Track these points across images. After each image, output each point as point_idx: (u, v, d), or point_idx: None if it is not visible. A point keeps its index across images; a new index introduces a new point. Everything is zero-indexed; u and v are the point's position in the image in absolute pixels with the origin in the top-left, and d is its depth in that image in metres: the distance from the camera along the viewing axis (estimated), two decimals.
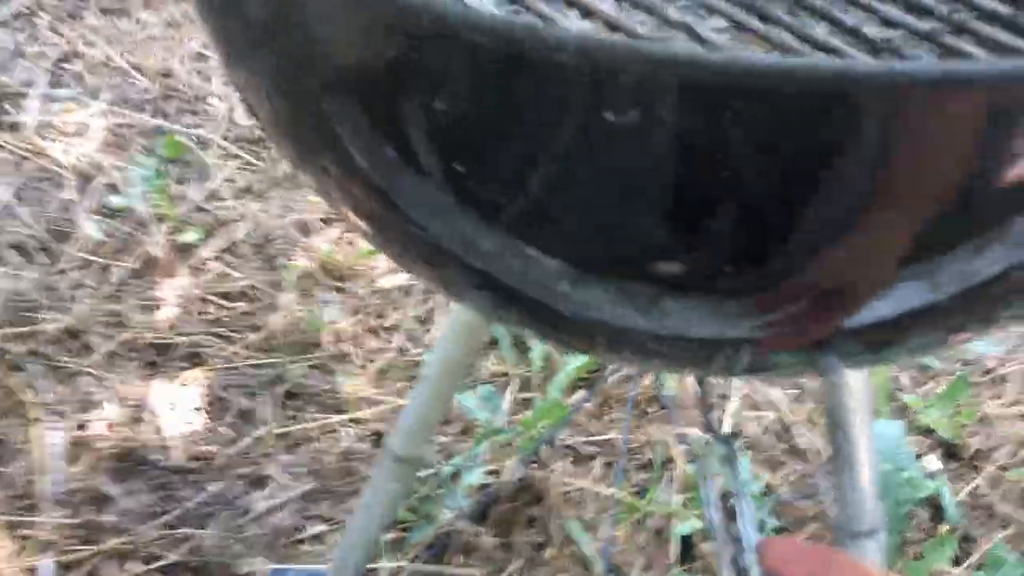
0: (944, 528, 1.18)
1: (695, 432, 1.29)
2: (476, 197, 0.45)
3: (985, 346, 1.43)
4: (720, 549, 0.51)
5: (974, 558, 1.16)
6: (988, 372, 1.41)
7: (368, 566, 1.13)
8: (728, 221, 0.39)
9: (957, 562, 1.15)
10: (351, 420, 1.30)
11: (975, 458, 1.28)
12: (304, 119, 0.47)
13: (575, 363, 1.34)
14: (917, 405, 1.34)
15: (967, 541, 1.18)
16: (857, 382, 0.68)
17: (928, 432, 1.31)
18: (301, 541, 1.18)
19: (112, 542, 1.16)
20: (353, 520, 0.86)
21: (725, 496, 0.57)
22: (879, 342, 0.46)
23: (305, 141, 0.49)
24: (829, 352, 0.46)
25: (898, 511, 1.15)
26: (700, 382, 0.69)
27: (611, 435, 1.29)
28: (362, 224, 0.49)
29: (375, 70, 0.40)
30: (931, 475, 1.24)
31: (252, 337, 1.40)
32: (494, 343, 1.40)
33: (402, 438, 0.78)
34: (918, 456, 1.26)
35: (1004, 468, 1.26)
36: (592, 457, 1.27)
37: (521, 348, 1.40)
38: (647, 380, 1.34)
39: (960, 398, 1.31)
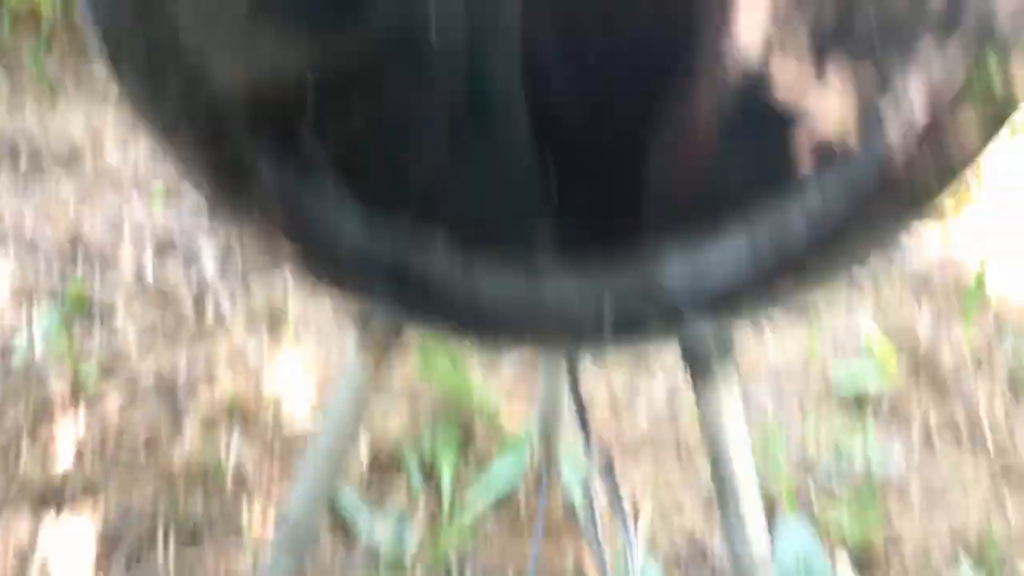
0: None
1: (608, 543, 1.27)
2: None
3: (887, 462, 1.47)
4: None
5: None
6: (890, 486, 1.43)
7: None
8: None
9: None
10: (252, 556, 1.24)
11: (888, 562, 1.29)
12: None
13: (484, 495, 1.32)
14: (825, 517, 1.35)
15: None
16: (730, 403, 0.70)
17: (840, 540, 1.31)
18: None
19: None
20: None
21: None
22: (719, 298, 0.49)
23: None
24: (681, 303, 0.49)
25: None
26: (573, 382, 0.69)
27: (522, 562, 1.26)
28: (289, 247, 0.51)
29: None
30: None
31: (151, 478, 1.34)
32: (399, 468, 1.38)
33: (296, 506, 0.76)
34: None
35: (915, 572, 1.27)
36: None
37: (428, 475, 1.38)
38: (557, 496, 1.33)
39: (867, 508, 1.33)
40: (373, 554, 1.24)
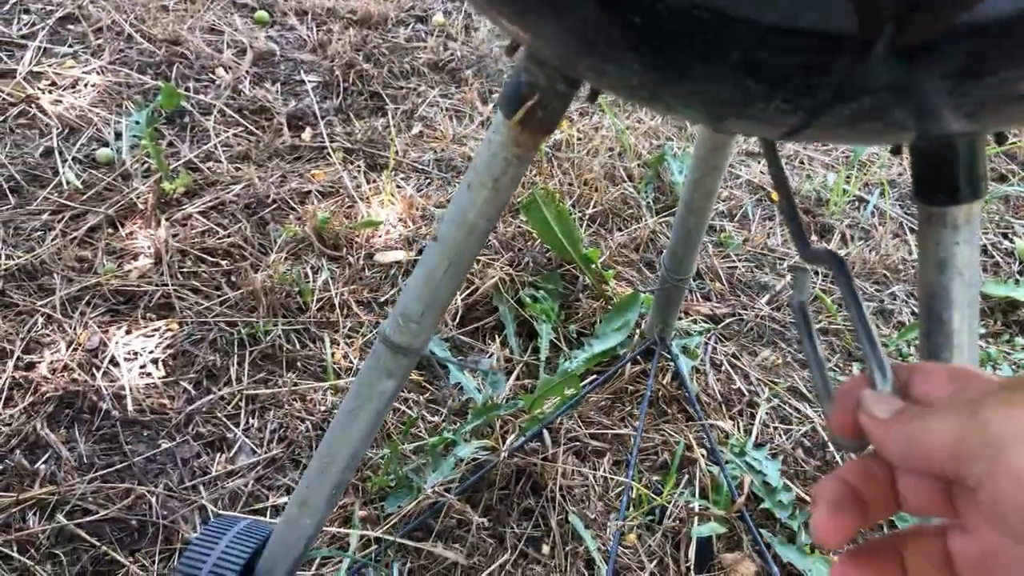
0: None
1: (722, 428, 1.14)
2: None
3: None
4: (821, 388, 0.38)
5: None
6: None
7: (335, 530, 0.97)
8: None
9: None
10: (331, 388, 1.15)
11: None
12: None
13: (586, 353, 1.19)
14: None
15: None
16: (966, 263, 0.55)
17: None
18: (263, 511, 1.01)
19: (38, 491, 0.99)
20: (328, 434, 0.70)
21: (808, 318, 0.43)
22: (980, 58, 0.33)
23: None
24: (929, 63, 0.33)
25: None
26: (778, 174, 0.54)
27: (623, 430, 1.13)
28: None
29: None
30: None
31: (230, 294, 1.25)
32: (500, 328, 1.26)
33: (400, 321, 0.64)
34: None
35: None
36: (600, 453, 1.11)
37: (528, 338, 1.26)
38: (666, 378, 1.20)
39: None
40: (462, 402, 1.14)
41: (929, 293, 0.56)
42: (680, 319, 1.31)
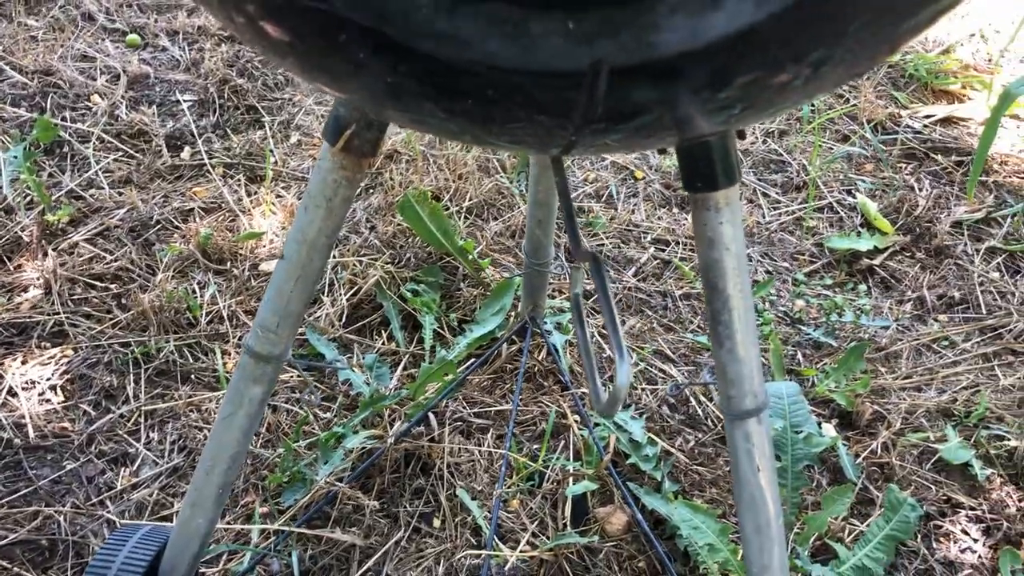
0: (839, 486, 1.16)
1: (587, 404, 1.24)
2: None
3: (877, 322, 1.44)
4: (585, 361, 0.47)
5: (874, 517, 1.13)
6: (881, 349, 1.41)
7: (238, 527, 1.04)
8: None
9: (856, 517, 1.12)
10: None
11: (871, 426, 1.27)
12: None
13: (467, 339, 1.29)
14: (811, 374, 1.32)
15: (867, 503, 1.16)
16: (732, 238, 0.65)
17: (824, 403, 1.29)
18: (168, 518, 1.08)
19: None
20: (209, 440, 0.78)
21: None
22: (718, 71, 0.43)
23: None
24: (680, 83, 0.43)
25: (796, 468, 1.12)
26: (558, 172, 0.64)
27: (504, 407, 1.23)
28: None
29: None
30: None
31: (121, 316, 1.30)
32: (385, 323, 1.34)
33: (260, 332, 0.72)
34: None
35: (899, 433, 1.25)
36: (483, 429, 1.21)
37: (412, 329, 1.34)
38: (541, 354, 1.30)
39: (855, 369, 1.30)
40: (351, 397, 1.22)
41: (705, 266, 0.67)
42: (553, 298, 1.41)
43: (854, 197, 1.73)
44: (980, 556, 1.12)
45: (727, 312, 0.68)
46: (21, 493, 1.09)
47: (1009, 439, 1.24)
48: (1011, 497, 1.18)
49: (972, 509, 1.17)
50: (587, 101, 0.44)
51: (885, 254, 1.59)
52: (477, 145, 0.56)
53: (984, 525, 1.15)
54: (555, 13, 0.41)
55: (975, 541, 1.13)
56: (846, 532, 1.11)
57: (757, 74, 0.44)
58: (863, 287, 1.53)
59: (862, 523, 1.12)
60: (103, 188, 1.54)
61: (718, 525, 1.05)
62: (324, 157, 0.66)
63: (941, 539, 1.13)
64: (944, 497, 1.17)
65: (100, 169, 1.58)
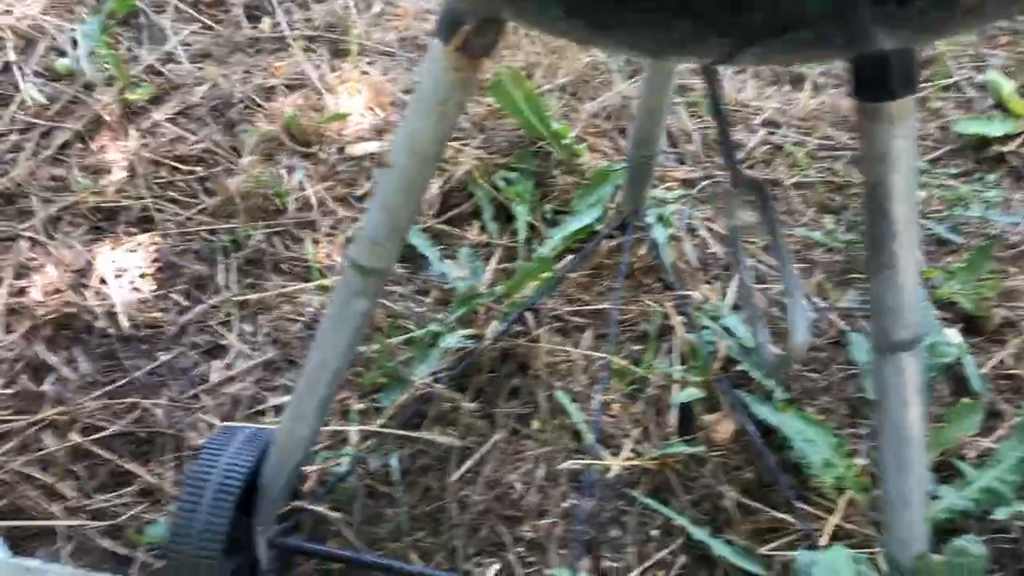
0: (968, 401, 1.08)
1: (698, 296, 1.18)
2: None
3: (1006, 217, 1.33)
4: (751, 311, 0.41)
5: (1000, 431, 1.06)
6: (1011, 247, 1.30)
7: (335, 428, 1.03)
8: None
9: (984, 435, 1.05)
10: (317, 288, 1.18)
11: (998, 333, 1.18)
12: None
13: (563, 232, 1.22)
14: (934, 274, 1.23)
15: (994, 416, 1.08)
16: (904, 155, 0.56)
17: (948, 305, 1.20)
18: (262, 412, 1.06)
19: (50, 412, 1.04)
20: (311, 354, 0.74)
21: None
22: None
23: None
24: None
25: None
26: (713, 94, 0.56)
27: (603, 305, 1.17)
28: None
29: None
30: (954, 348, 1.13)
31: (208, 202, 1.27)
32: (476, 214, 1.28)
33: (366, 245, 0.66)
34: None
35: None
36: (581, 328, 1.15)
37: (505, 220, 1.28)
38: (642, 250, 1.23)
39: (981, 270, 1.20)
40: (445, 291, 1.17)
41: (871, 185, 0.58)
42: (655, 187, 1.33)
43: (985, 75, 1.58)
44: None
45: (891, 237, 0.60)
46: (118, 384, 1.08)
47: None
48: None
49: None
50: (762, 8, 0.36)
51: (1018, 140, 1.45)
52: (613, 52, 0.48)
53: None
54: None
55: None
56: (970, 450, 1.04)
57: None
58: (992, 177, 1.40)
59: (986, 439, 1.06)
60: (182, 63, 1.48)
61: (834, 439, 0.99)
62: (436, 57, 0.59)
63: None
64: None
65: (179, 42, 1.51)
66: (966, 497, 0.96)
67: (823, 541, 0.94)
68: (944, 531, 0.97)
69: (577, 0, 0.41)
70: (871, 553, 0.93)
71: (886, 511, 0.73)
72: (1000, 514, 0.96)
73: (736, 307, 1.18)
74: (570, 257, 1.21)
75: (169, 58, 1.49)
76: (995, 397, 1.10)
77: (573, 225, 1.22)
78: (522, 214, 1.25)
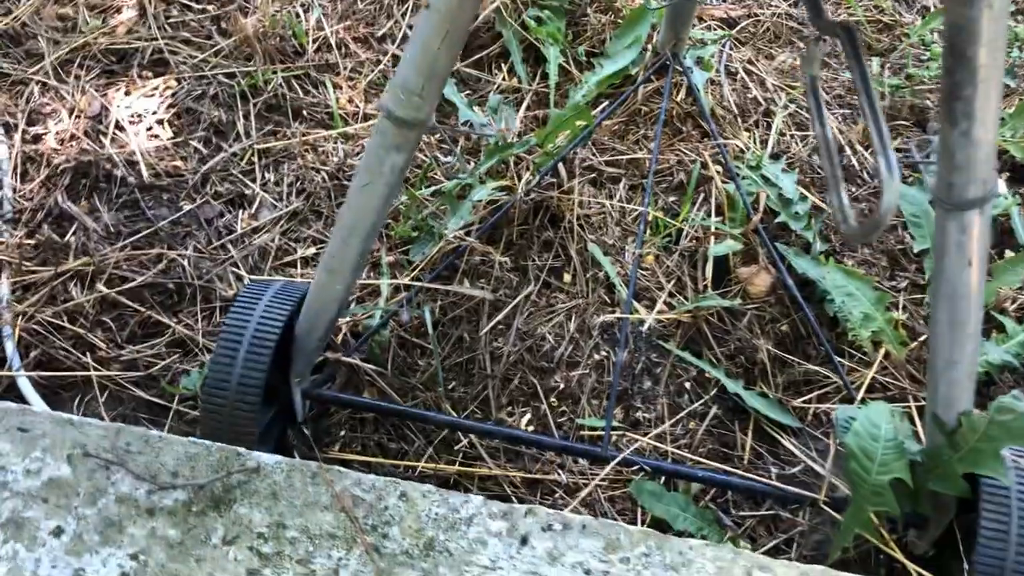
0: (1013, 254, 1.05)
1: (736, 142, 1.13)
2: None
3: None
4: (829, 171, 0.37)
5: None
6: None
7: (365, 281, 1.01)
8: None
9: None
10: (341, 136, 1.14)
11: None
12: None
13: (598, 76, 1.16)
14: None
15: None
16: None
17: (999, 154, 1.15)
18: (292, 264, 1.05)
19: (74, 263, 1.02)
20: (345, 209, 0.71)
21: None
22: None
23: None
24: None
25: None
26: None
27: (639, 154, 1.13)
28: None
29: None
30: (1000, 196, 1.10)
31: (223, 43, 1.21)
32: (505, 55, 1.22)
33: (402, 95, 0.62)
34: None
35: None
36: (616, 179, 1.12)
37: (535, 63, 1.22)
38: (680, 96, 1.17)
39: None
40: (474, 140, 1.13)
41: (954, 27, 0.53)
42: (694, 26, 1.26)
43: None
44: None
45: (972, 87, 0.55)
46: (143, 234, 1.06)
47: None
48: None
49: None
50: None
51: None
52: None
53: None
54: None
55: None
56: (1012, 304, 1.02)
57: None
58: None
59: None
60: None
61: (875, 293, 0.97)
62: None
63: None
64: None
65: None
66: (1008, 351, 0.94)
67: (859, 395, 0.94)
68: (983, 383, 0.96)
69: None
70: (906, 407, 0.93)
71: (932, 369, 0.72)
72: None
73: (775, 156, 1.13)
74: (605, 104, 1.16)
75: None
76: None
77: (608, 68, 1.16)
78: (553, 56, 1.19)
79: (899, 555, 0.80)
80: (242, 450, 0.72)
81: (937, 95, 1.19)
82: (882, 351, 0.97)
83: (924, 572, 0.78)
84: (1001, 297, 1.00)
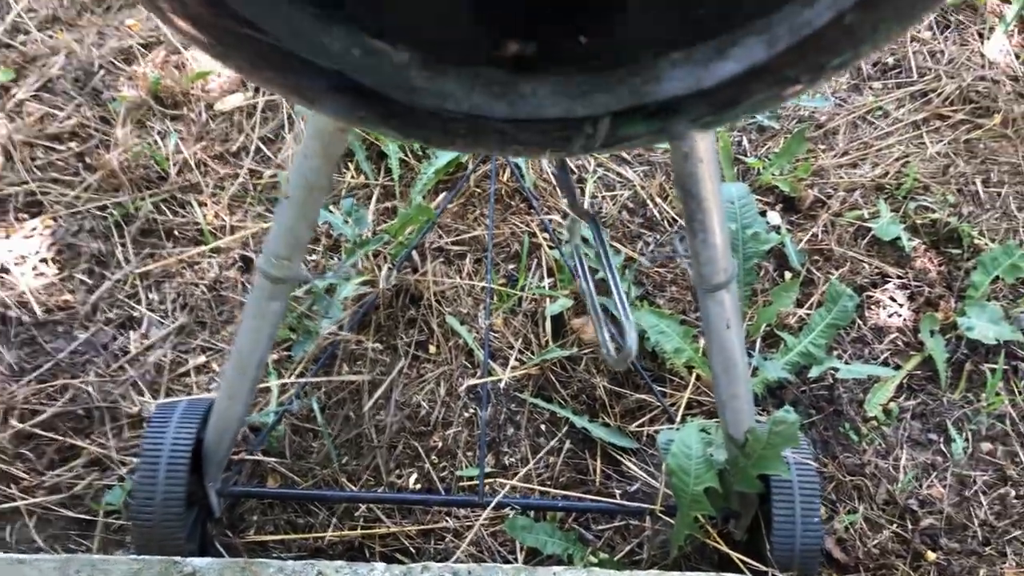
0: (788, 276, 1.29)
1: (556, 217, 1.33)
2: None
3: (816, 101, 1.52)
4: (594, 317, 0.55)
5: (815, 298, 1.28)
6: (820, 127, 1.49)
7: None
8: None
9: (800, 303, 1.27)
10: (212, 251, 1.28)
11: (812, 209, 1.38)
12: None
13: (434, 166, 1.34)
14: (758, 165, 1.42)
15: (809, 284, 1.30)
16: (705, 151, 0.72)
17: (769, 190, 1.39)
18: (186, 374, 1.18)
19: None
20: (237, 346, 0.86)
21: (593, 270, 0.60)
22: (723, 102, 0.48)
23: None
24: (679, 117, 0.48)
25: (747, 265, 1.24)
26: (561, 166, 0.70)
27: (478, 232, 1.32)
28: (201, 36, 0.46)
29: None
30: (774, 229, 1.34)
31: (91, 179, 1.32)
32: (351, 155, 1.38)
33: (273, 260, 0.78)
34: (762, 213, 1.35)
35: (838, 214, 1.37)
36: (462, 256, 1.30)
37: (378, 159, 1.39)
38: (505, 175, 1.36)
39: (797, 153, 1.40)
40: (333, 237, 1.29)
41: (681, 177, 0.73)
42: None
43: None
44: (905, 319, 1.28)
45: (702, 212, 0.76)
46: (46, 367, 1.17)
47: (934, 210, 1.38)
48: (932, 262, 1.33)
49: (899, 278, 1.32)
50: (588, 138, 0.49)
51: None
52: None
53: (909, 292, 1.31)
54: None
55: (901, 306, 1.29)
56: (791, 319, 1.26)
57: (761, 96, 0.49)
58: None
59: (802, 308, 1.27)
60: (30, 31, 1.48)
61: (682, 328, 1.19)
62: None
63: (872, 307, 1.29)
64: (876, 270, 1.32)
65: (22, 8, 1.50)
66: (788, 362, 1.18)
67: (679, 415, 1.15)
68: (774, 390, 1.19)
69: None
70: (718, 421, 1.15)
71: (719, 402, 0.92)
72: (814, 371, 1.19)
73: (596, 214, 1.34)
74: (444, 194, 1.34)
75: (16, 28, 1.49)
76: (811, 268, 1.31)
77: (443, 159, 1.34)
78: (394, 152, 1.36)
79: (722, 545, 1.01)
80: (178, 559, 0.86)
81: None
82: (694, 374, 1.18)
83: (742, 556, 0.99)
84: (781, 315, 1.24)
